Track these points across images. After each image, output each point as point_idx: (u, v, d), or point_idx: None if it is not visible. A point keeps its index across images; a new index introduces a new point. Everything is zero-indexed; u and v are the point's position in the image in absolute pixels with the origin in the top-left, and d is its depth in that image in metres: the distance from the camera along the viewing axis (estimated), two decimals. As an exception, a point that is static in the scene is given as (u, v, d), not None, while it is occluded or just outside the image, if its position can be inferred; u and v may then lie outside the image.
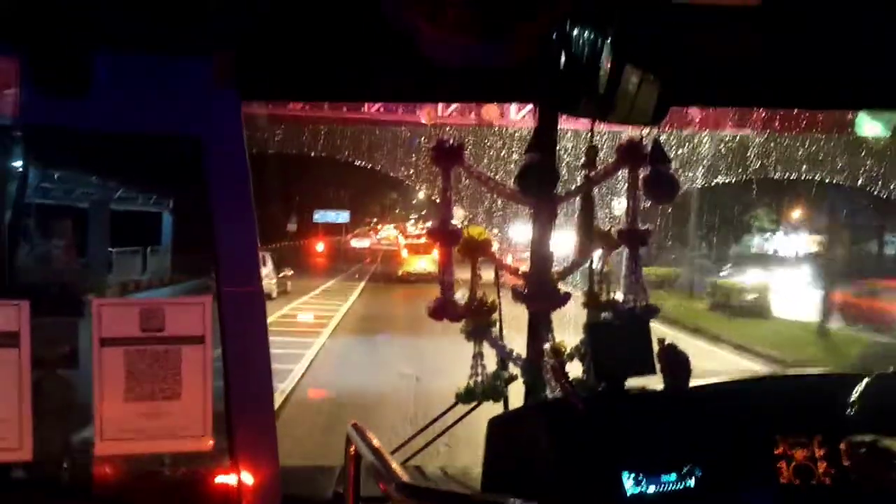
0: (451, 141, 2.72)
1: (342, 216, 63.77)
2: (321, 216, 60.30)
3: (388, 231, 76.12)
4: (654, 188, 2.68)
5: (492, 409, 2.78)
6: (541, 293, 2.71)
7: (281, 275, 25.20)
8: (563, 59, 2.12)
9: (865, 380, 2.48)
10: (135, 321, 2.10)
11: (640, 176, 2.74)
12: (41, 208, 2.32)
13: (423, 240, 33.15)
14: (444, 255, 2.76)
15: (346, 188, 59.65)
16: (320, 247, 50.24)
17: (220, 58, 2.10)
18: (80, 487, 2.22)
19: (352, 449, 2.02)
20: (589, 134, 2.61)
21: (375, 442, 1.93)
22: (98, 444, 2.09)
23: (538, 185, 2.56)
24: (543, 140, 2.53)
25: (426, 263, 27.37)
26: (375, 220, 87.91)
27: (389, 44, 2.09)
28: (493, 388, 2.80)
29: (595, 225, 2.71)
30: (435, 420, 2.89)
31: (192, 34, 2.09)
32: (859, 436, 2.27)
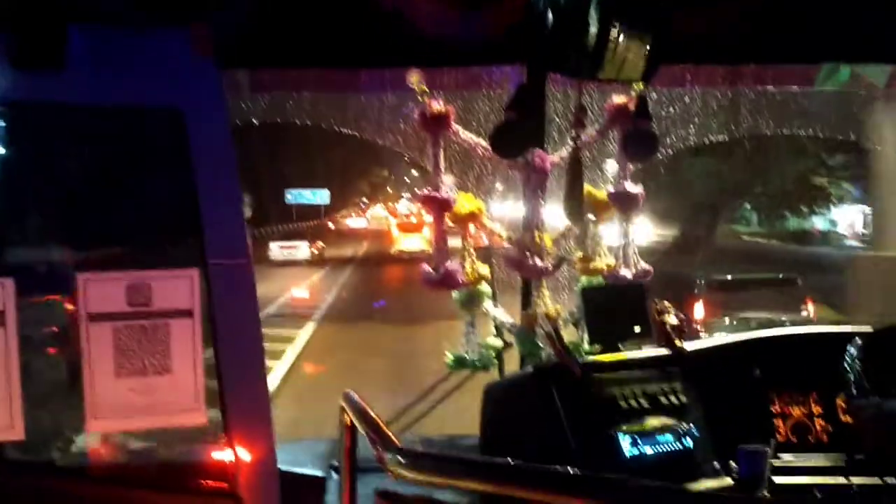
0: (439, 106, 2.68)
1: (321, 196, 55.85)
2: (295, 196, 53.60)
3: (377, 210, 74.63)
4: (632, 145, 2.62)
5: (488, 376, 2.78)
6: (532, 259, 2.68)
7: (320, 245, 32.26)
8: (550, 17, 2.07)
9: (859, 335, 2.48)
10: (121, 295, 2.07)
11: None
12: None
13: (413, 219, 32.94)
14: (436, 222, 2.71)
15: (329, 165, 53.36)
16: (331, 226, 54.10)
17: (197, 28, 2.05)
18: (73, 465, 2.20)
19: (346, 418, 2.01)
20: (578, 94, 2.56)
21: (369, 409, 1.92)
22: (90, 422, 2.07)
23: (514, 145, 2.47)
24: (528, 100, 2.48)
25: (417, 241, 27.21)
26: (365, 199, 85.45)
27: (372, 8, 2.04)
28: (485, 356, 2.79)
29: (586, 189, 2.68)
30: (430, 389, 2.89)
31: (169, 5, 2.04)
32: (862, 399, 2.26)
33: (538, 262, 2.66)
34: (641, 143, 2.59)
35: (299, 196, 54.59)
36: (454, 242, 2.77)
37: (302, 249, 30.72)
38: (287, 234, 32.89)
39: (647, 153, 2.66)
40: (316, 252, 31.32)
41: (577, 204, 2.56)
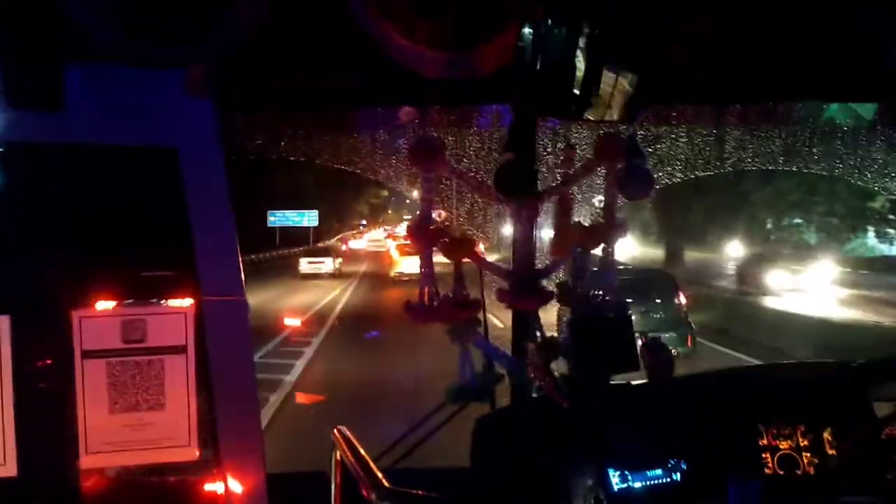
0: (430, 140, 2.71)
1: (309, 217, 51.27)
2: (280, 218, 49.05)
3: (374, 234, 73.65)
4: (628, 183, 2.66)
5: (480, 408, 2.78)
6: (525, 291, 2.71)
7: (338, 262, 40.44)
8: (538, 59, 2.13)
9: (846, 368, 2.52)
10: (116, 332, 2.09)
11: (617, 171, 2.74)
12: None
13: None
14: (423, 256, 2.73)
15: (321, 182, 49.03)
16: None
17: (194, 68, 2.09)
18: (66, 501, 2.20)
19: (337, 454, 2.02)
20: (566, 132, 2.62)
21: (358, 446, 1.94)
22: (83, 457, 2.08)
23: (516, 185, 2.52)
24: (521, 140, 2.53)
25: (418, 264, 26.82)
26: (364, 222, 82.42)
27: (364, 51, 2.09)
28: (480, 388, 2.80)
29: (576, 221, 2.71)
30: (423, 421, 2.89)
31: (167, 45, 2.08)
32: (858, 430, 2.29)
33: (531, 293, 2.68)
34: (637, 181, 2.63)
35: (284, 218, 50.19)
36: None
37: (327, 264, 39.16)
38: (312, 251, 43.59)
39: (644, 191, 2.69)
40: (337, 267, 39.84)
41: (563, 237, 2.60)
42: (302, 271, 37.66)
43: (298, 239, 51.02)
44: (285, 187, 45.96)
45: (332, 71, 2.23)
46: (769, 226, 26.15)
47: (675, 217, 24.46)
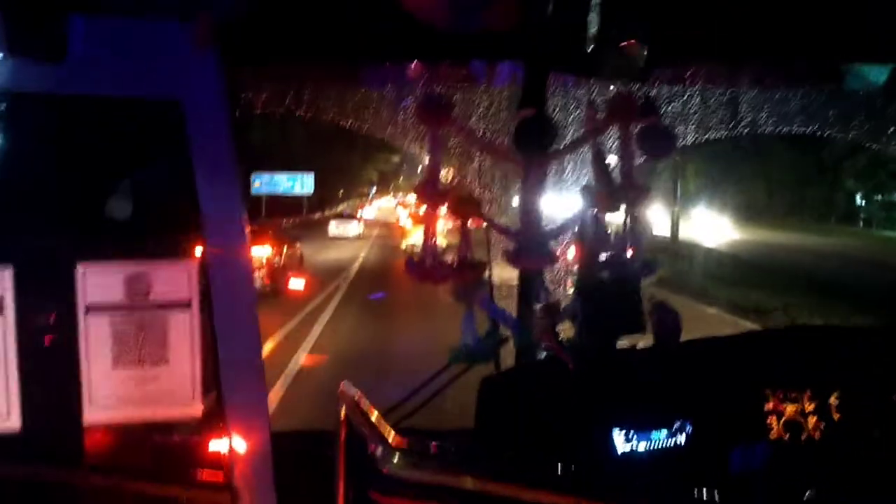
0: (439, 97, 2.67)
1: (303, 182, 45.07)
2: (266, 183, 42.31)
3: (383, 202, 73.38)
4: (648, 142, 2.61)
5: (485, 368, 2.78)
6: (532, 252, 2.68)
7: (361, 226, 44.88)
8: (550, 14, 2.08)
9: (854, 333, 2.49)
10: (120, 286, 2.08)
11: (633, 131, 2.69)
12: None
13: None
14: (430, 215, 2.71)
15: (325, 146, 44.82)
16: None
17: (199, 19, 2.05)
18: (69, 455, 2.21)
19: (343, 410, 2.02)
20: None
21: (364, 402, 1.93)
22: (86, 412, 2.08)
23: (537, 140, 2.46)
24: (532, 97, 2.49)
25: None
26: (375, 189, 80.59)
27: (373, 2, 2.04)
28: (485, 349, 2.79)
29: (588, 185, 2.67)
30: (428, 381, 2.89)
31: None
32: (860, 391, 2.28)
33: (537, 254, 2.66)
34: (658, 141, 2.57)
35: (272, 182, 43.63)
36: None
37: (353, 227, 43.36)
38: (338, 215, 48.88)
39: (666, 150, 2.64)
40: (361, 231, 44.12)
41: (608, 193, 2.54)
42: (331, 233, 41.45)
43: (290, 209, 44.51)
44: (279, 150, 40.04)
45: (339, 24, 2.18)
46: (860, 201, 23.06)
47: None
